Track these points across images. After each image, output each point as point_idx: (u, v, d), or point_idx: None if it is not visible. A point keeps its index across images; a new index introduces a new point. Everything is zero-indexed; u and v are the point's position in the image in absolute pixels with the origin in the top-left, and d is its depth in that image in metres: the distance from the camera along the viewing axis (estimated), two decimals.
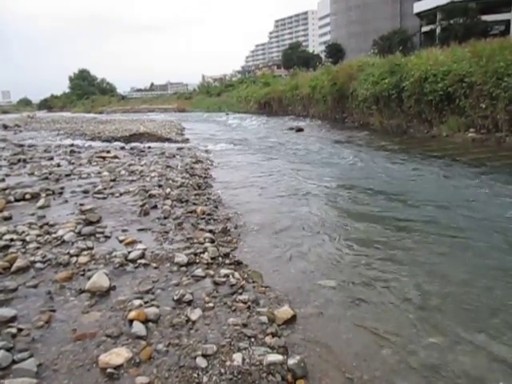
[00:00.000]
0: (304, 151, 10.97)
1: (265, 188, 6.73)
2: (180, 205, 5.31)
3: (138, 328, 2.45)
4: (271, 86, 32.71)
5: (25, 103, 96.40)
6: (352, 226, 4.70)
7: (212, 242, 4.01)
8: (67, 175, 6.90)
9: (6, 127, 21.30)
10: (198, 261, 3.54)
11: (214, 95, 55.11)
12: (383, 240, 4.13)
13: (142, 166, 8.09)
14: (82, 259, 3.42)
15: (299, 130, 17.42)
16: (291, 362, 2.25)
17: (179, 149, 11.29)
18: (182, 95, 73.38)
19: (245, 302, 2.84)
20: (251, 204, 5.79)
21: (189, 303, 2.81)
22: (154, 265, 3.43)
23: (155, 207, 5.07)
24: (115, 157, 9.26)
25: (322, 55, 51.82)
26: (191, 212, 4.98)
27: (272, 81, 35.66)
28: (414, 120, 13.88)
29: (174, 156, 9.71)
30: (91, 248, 3.67)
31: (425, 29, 34.58)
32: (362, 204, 5.40)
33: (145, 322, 2.52)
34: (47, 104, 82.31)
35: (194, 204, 5.38)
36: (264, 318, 2.64)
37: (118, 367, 2.18)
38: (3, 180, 6.43)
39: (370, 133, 14.53)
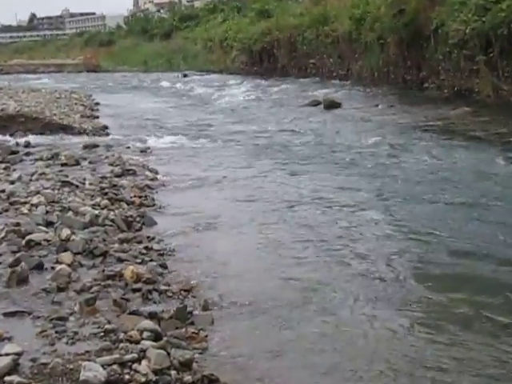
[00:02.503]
0: (340, 152, 11.18)
1: (262, 228, 6.83)
2: (90, 262, 5.34)
3: None
4: (274, 18, 33.34)
5: None
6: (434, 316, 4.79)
7: (156, 338, 4.02)
8: None
9: None
10: (127, 377, 3.55)
11: (159, 37, 55.92)
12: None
13: (12, 182, 8.16)
14: None
15: (332, 105, 17.75)
16: None
17: (89, 147, 11.41)
18: (95, 39, 74.33)
19: None
20: (233, 259, 5.84)
21: None
22: None
23: (40, 267, 5.10)
24: None
25: None
26: (113, 277, 5.01)
27: (275, 8, 36.33)
28: None
29: (77, 162, 9.80)
30: None
31: None
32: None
33: None
34: None
35: (120, 260, 5.42)
36: None
37: None
38: None
39: (475, 109, 14.86)
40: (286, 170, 9.83)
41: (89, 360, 3.68)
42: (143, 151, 11.57)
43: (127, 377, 3.56)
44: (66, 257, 5.34)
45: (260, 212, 7.51)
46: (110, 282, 4.93)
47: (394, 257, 5.79)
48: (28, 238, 5.70)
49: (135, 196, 7.84)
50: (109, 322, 4.21)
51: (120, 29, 75.67)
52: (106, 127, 14.94)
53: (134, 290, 4.80)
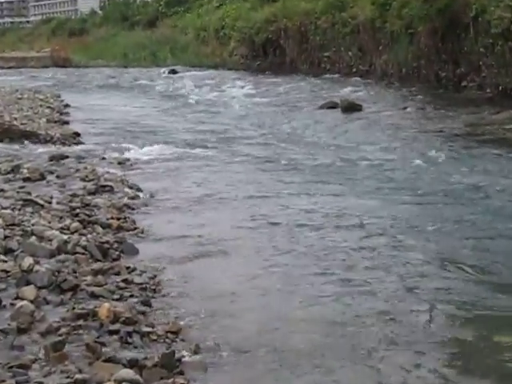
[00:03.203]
0: (362, 166, 11.19)
1: (266, 257, 6.86)
2: (58, 298, 5.34)
3: None
4: (281, 2, 33.34)
5: None
6: None
7: None
8: None
9: None
10: None
11: (142, 26, 56.12)
12: None
13: None
14: None
15: (351, 107, 17.82)
16: None
17: (56, 158, 11.42)
18: (64, 27, 74.67)
19: None
20: (231, 294, 5.85)
21: None
22: None
23: None
24: None
25: None
26: (85, 316, 4.99)
27: None
28: None
29: (42, 177, 9.80)
30: None
31: None
32: None
33: None
34: None
35: (93, 296, 5.42)
36: None
37: None
38: None
39: None
40: (296, 188, 9.85)
41: None
42: (122, 163, 11.59)
43: None
44: (29, 291, 5.32)
45: (265, 238, 7.52)
46: (81, 322, 4.91)
47: (430, 293, 5.82)
48: None
49: (112, 218, 7.85)
50: (80, 371, 4.19)
51: (94, 15, 76.09)
52: (77, 134, 14.94)
53: (111, 332, 4.79)
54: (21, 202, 8.08)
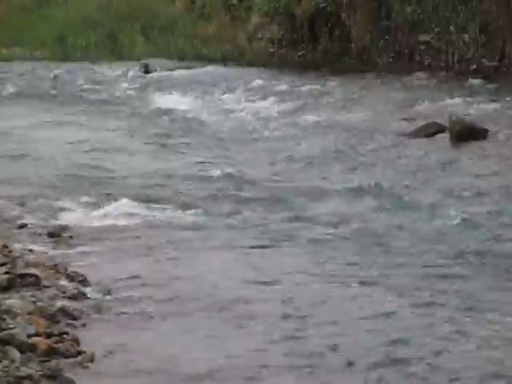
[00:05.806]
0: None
1: None
2: None
3: None
4: None
5: None
6: None
7: None
8: None
9: None
10: None
11: None
12: None
13: None
14: None
15: (466, 134, 17.90)
16: None
17: None
18: None
19: None
20: None
21: None
22: None
23: None
24: None
25: None
26: None
27: None
28: None
29: None
30: None
31: None
32: None
33: None
34: None
35: None
36: None
37: None
38: None
39: None
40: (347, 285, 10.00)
41: None
42: (56, 235, 11.86)
43: None
44: None
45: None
46: None
47: None
48: None
49: (39, 334, 7.98)
50: None
51: None
52: None
53: None
54: None
